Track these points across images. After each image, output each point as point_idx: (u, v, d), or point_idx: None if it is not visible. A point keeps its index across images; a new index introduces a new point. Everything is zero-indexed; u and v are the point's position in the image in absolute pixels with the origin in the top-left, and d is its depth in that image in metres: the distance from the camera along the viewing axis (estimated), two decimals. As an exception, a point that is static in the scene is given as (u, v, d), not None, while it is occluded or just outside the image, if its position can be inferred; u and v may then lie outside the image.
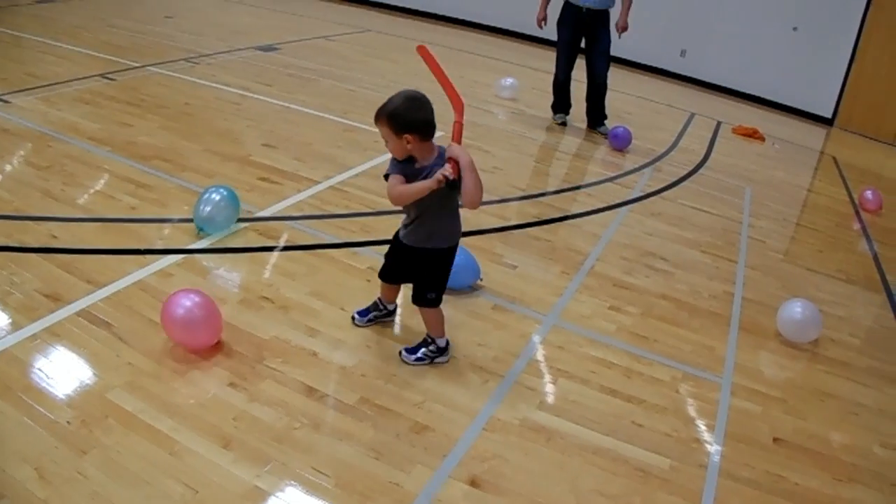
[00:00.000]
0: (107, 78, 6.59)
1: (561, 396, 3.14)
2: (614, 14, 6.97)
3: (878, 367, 3.88)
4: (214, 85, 6.93)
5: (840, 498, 2.83)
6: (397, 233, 3.12)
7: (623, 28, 7.00)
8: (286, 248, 4.05)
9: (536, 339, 3.55)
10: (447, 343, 3.24)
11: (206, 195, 4.00)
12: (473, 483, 2.57)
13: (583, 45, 7.09)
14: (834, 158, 8.82)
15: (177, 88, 6.67)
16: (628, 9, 6.99)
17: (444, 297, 3.16)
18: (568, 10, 6.96)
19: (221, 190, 4.04)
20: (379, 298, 3.43)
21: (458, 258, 3.16)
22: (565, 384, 3.23)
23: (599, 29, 6.93)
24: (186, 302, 2.96)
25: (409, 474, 2.57)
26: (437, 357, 3.20)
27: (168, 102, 6.19)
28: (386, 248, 3.29)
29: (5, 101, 5.65)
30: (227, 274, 3.69)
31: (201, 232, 3.95)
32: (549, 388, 3.19)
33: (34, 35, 7.70)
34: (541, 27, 7.19)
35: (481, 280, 3.89)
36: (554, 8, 7.08)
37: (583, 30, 6.96)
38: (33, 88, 6.03)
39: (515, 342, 3.50)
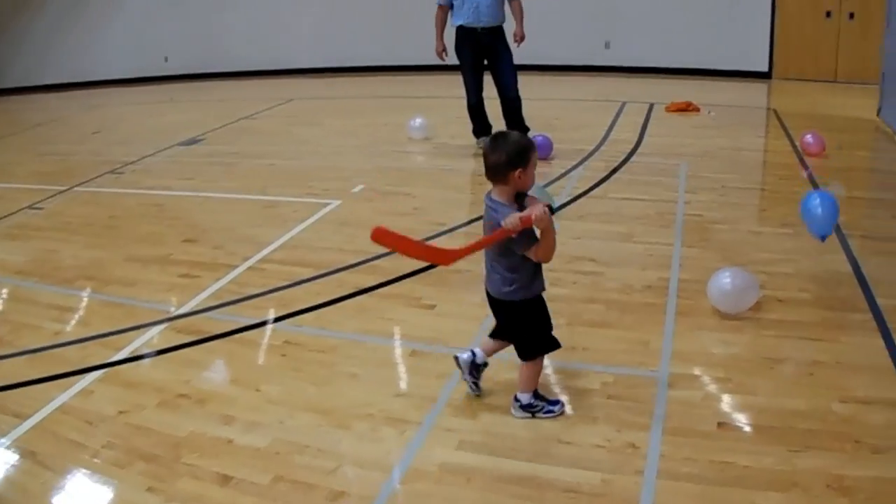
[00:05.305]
0: (34, 208, 6.58)
1: (482, 431, 3.01)
2: (508, 28, 6.97)
3: (833, 317, 3.71)
4: (138, 191, 6.91)
5: (797, 471, 2.64)
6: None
7: (521, 38, 6.99)
8: (204, 341, 3.96)
9: (455, 376, 3.33)
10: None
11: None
12: (397, 540, 2.47)
13: (486, 64, 7.07)
14: (774, 111, 8.73)
15: (101, 203, 6.67)
16: (521, 18, 6.99)
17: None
18: (462, 33, 6.94)
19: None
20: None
21: None
22: (487, 418, 3.09)
23: (498, 45, 6.93)
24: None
25: (331, 546, 2.47)
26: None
27: (92, 220, 6.18)
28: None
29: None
30: (146, 379, 3.61)
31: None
32: (469, 424, 3.06)
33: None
34: (443, 59, 7.18)
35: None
36: (449, 36, 7.07)
37: (482, 49, 6.94)
38: (-37, 233, 6.01)
39: (434, 384, 3.36)
